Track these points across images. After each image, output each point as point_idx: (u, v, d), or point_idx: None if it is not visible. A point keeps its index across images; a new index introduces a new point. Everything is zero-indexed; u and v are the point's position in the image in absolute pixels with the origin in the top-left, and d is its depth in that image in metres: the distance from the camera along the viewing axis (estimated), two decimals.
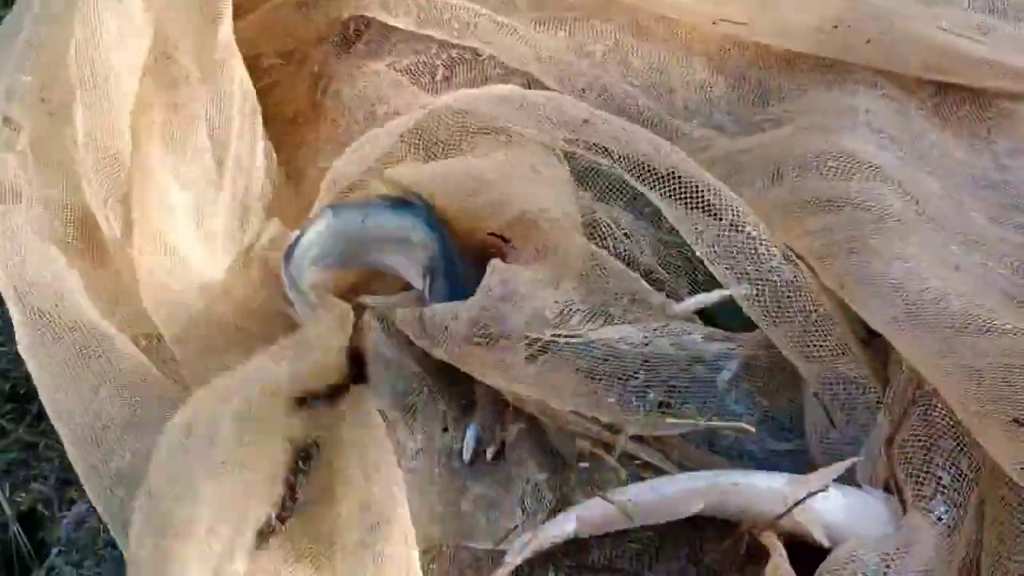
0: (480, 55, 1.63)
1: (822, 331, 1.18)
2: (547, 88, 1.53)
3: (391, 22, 1.63)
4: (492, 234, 1.35)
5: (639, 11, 1.57)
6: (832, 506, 1.07)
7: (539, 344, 1.17)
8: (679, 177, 1.29)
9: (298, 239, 1.34)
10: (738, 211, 1.25)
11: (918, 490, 1.05)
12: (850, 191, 1.26)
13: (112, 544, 1.57)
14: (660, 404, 1.16)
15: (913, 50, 1.46)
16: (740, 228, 1.24)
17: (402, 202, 1.38)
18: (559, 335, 1.17)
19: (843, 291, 1.18)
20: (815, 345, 1.18)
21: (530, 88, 1.53)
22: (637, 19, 1.57)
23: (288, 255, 1.33)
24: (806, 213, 1.28)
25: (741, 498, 1.09)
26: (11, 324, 1.32)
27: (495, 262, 1.27)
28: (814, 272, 1.22)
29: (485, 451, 1.21)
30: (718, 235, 1.25)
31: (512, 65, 1.58)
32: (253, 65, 1.58)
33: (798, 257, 1.23)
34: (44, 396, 1.29)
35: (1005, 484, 1.02)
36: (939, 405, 1.07)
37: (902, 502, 1.06)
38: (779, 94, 1.51)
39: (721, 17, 1.52)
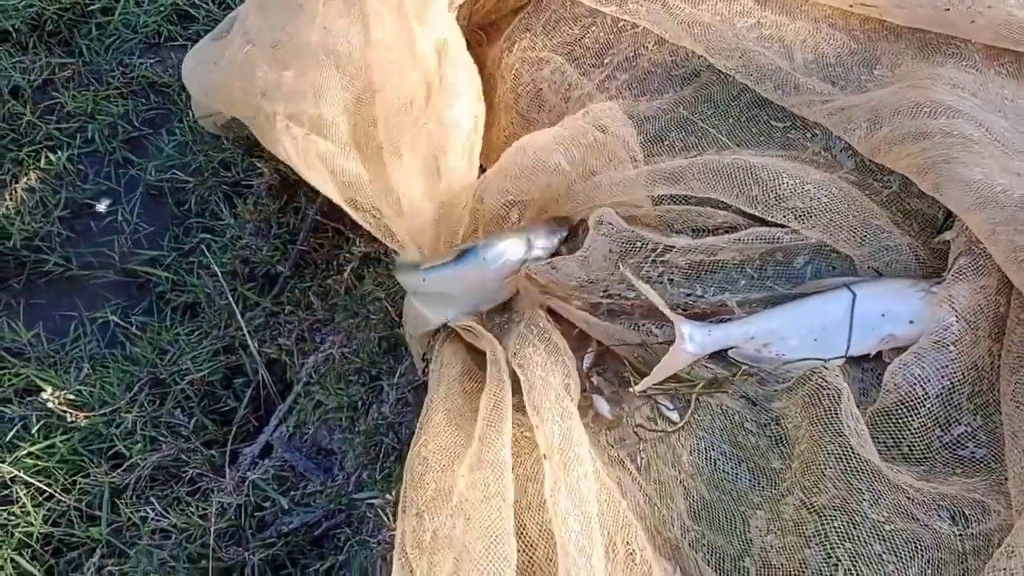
0: (636, 27, 2.04)
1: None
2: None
3: None
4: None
5: None
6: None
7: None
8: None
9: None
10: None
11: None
12: (938, 125, 1.65)
13: (345, 384, 2.02)
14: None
15: (1000, 27, 1.85)
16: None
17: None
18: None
19: (937, 191, 1.56)
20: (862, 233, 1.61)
21: None
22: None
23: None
24: (906, 142, 1.66)
25: None
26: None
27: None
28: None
29: None
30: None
31: (666, 37, 1.99)
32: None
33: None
34: None
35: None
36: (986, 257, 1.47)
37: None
38: (882, 61, 1.91)
39: (857, 2, 1.93)
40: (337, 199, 1.86)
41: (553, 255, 1.75)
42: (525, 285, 1.73)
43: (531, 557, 1.33)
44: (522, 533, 1.35)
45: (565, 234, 1.79)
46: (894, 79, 1.88)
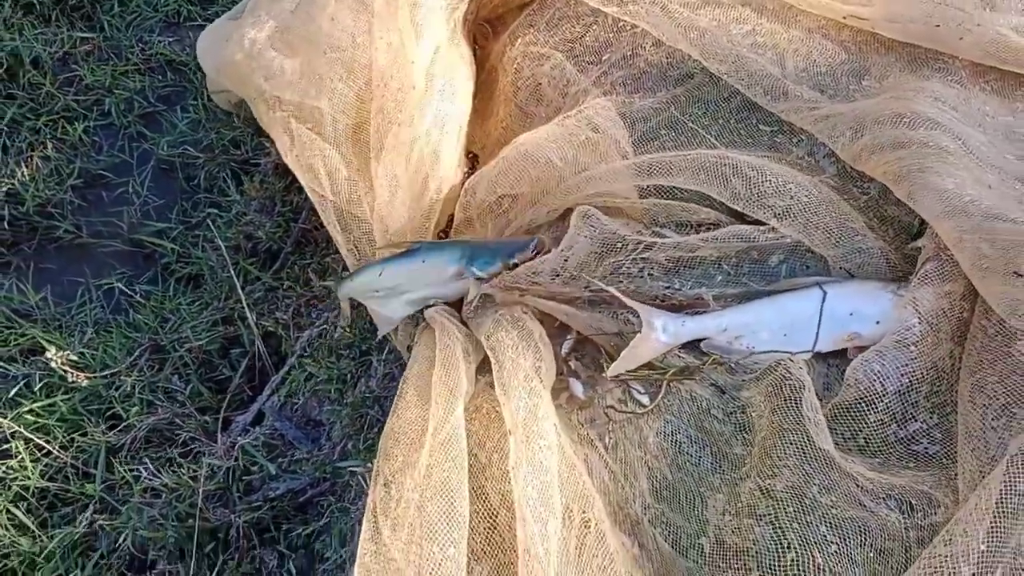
0: (636, 28, 2.10)
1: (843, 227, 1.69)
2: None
3: None
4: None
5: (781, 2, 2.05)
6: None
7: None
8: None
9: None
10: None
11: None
12: (916, 136, 1.71)
13: (336, 358, 2.09)
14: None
15: (988, 44, 1.91)
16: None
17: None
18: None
19: (910, 198, 1.62)
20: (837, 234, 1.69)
21: None
22: (776, 9, 2.05)
23: None
24: (885, 151, 1.72)
25: None
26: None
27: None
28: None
29: None
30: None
31: (663, 40, 2.06)
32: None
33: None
34: None
35: (986, 317, 1.47)
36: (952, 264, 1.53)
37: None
38: (871, 73, 1.97)
39: (850, 14, 1.99)
40: (316, 197, 2.00)
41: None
42: (503, 297, 1.80)
43: (493, 523, 1.40)
44: (485, 500, 1.42)
45: (531, 248, 1.84)
46: (881, 90, 1.94)
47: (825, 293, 1.61)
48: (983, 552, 1.18)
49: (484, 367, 1.62)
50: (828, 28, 2.03)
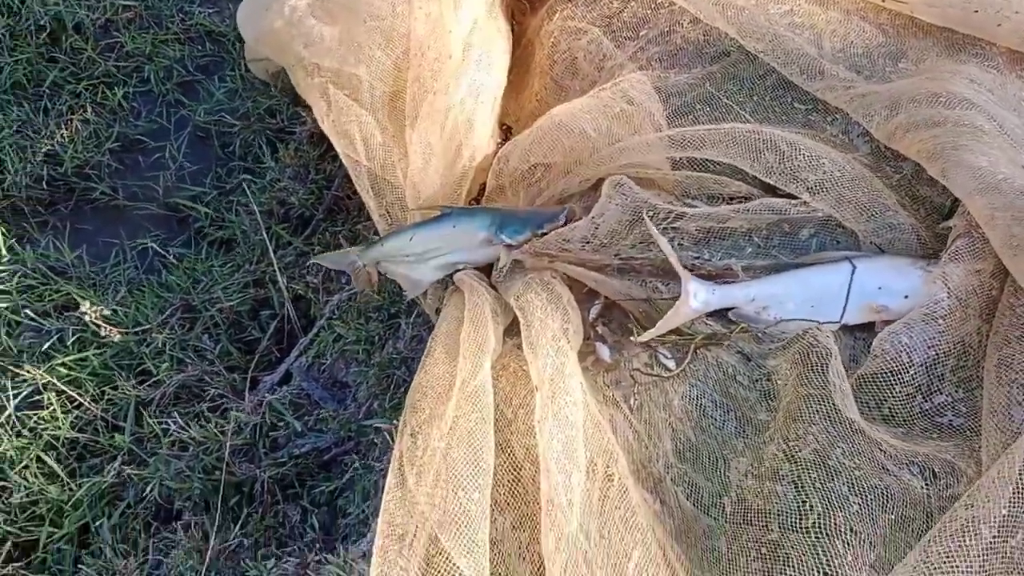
0: (673, 5, 2.12)
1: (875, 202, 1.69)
2: None
3: None
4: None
5: None
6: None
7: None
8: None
9: None
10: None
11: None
12: (951, 115, 1.71)
13: (365, 320, 2.11)
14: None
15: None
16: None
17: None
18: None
19: (943, 176, 1.62)
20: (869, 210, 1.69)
21: None
22: None
23: None
24: (919, 129, 1.73)
25: None
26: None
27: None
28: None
29: None
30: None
31: (700, 17, 2.07)
32: None
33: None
34: None
35: (1015, 295, 1.48)
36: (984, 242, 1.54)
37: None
38: (908, 56, 1.97)
39: None
40: (350, 162, 2.03)
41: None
42: (533, 262, 1.82)
43: (517, 475, 1.42)
44: (510, 454, 1.44)
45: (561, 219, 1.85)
46: (917, 72, 1.94)
47: (855, 267, 1.61)
48: (1004, 516, 1.19)
49: (512, 330, 1.64)
50: (867, 11, 2.03)
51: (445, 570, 1.24)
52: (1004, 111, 1.77)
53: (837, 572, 1.28)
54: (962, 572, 1.15)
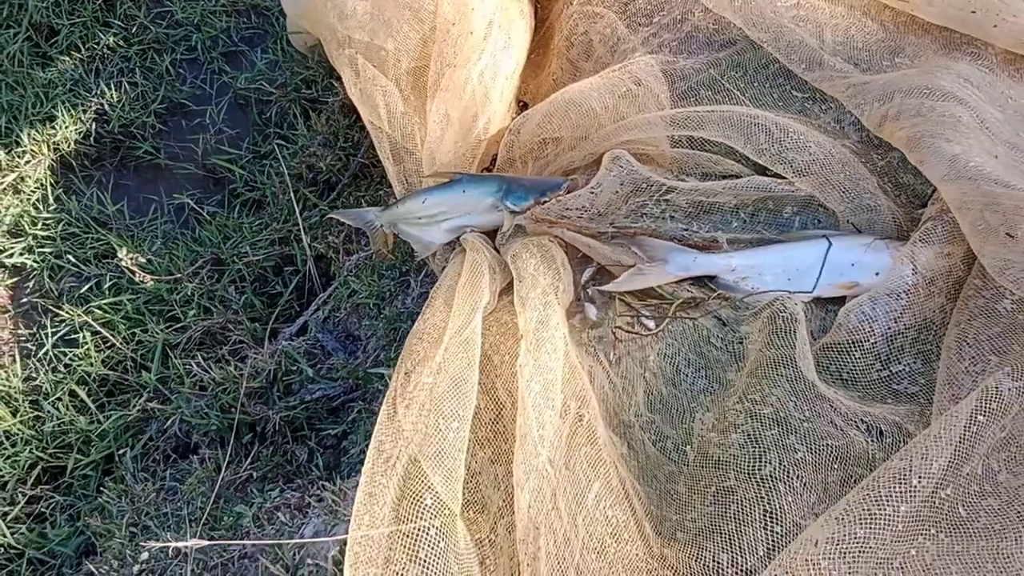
0: None
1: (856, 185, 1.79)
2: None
3: None
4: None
5: None
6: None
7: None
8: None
9: None
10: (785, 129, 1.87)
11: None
12: (936, 106, 1.81)
13: (378, 277, 2.25)
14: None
15: (1019, 34, 1.99)
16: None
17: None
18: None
19: (921, 163, 1.72)
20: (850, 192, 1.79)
21: None
22: None
23: None
24: (905, 118, 1.82)
25: None
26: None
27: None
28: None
29: None
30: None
31: (709, 6, 2.18)
32: None
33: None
34: None
35: (980, 277, 1.57)
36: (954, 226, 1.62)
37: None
38: (905, 51, 2.06)
39: None
40: (373, 129, 2.16)
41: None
42: (533, 228, 1.94)
43: (498, 415, 1.55)
44: (494, 395, 1.57)
45: (563, 188, 1.98)
46: (911, 67, 2.03)
47: (830, 243, 1.71)
48: (940, 468, 1.28)
49: (509, 290, 1.76)
50: (869, 7, 2.12)
51: (421, 486, 1.37)
52: (988, 106, 1.86)
53: (778, 514, 1.38)
54: (888, 516, 1.24)
